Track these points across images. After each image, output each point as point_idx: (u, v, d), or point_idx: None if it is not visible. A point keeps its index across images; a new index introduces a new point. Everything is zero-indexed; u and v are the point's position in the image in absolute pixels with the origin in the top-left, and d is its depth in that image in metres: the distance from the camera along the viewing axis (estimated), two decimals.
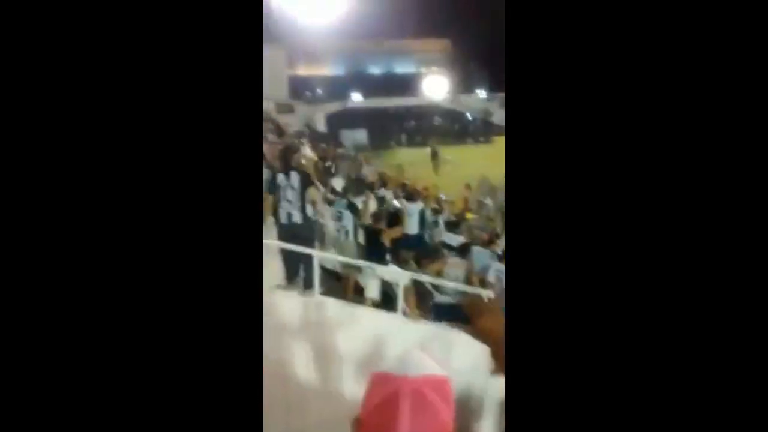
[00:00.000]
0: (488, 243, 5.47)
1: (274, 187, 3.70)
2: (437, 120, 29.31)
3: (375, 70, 35.93)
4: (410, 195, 6.13)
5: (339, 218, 4.70)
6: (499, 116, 29.68)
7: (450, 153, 18.14)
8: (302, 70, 32.43)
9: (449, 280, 4.02)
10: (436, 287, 4.16)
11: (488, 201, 9.62)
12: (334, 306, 3.45)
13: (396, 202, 5.59)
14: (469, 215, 7.35)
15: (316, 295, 3.41)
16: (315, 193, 3.95)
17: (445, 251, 4.64)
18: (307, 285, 3.46)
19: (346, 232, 4.69)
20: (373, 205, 5.14)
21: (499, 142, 24.98)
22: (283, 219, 3.69)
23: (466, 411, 2.62)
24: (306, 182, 3.77)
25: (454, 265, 4.12)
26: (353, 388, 3.29)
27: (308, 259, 3.44)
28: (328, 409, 3.27)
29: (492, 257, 4.77)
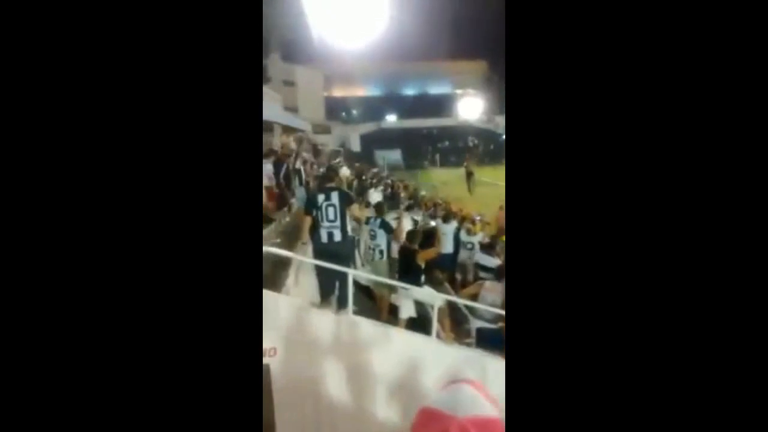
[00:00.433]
0: None
1: (313, 207, 3.76)
2: (472, 140, 29.17)
3: (410, 91, 36.39)
4: (445, 215, 6.09)
5: (373, 237, 4.71)
6: None
7: (485, 174, 17.98)
8: (338, 92, 33.23)
9: (485, 304, 3.93)
10: (472, 311, 4.07)
11: None
12: (367, 326, 3.43)
13: (432, 222, 5.56)
14: (503, 238, 7.22)
15: (350, 315, 3.40)
16: (357, 210, 3.96)
17: (482, 273, 4.55)
18: (341, 304, 3.46)
19: (381, 252, 4.69)
20: (407, 225, 5.13)
21: None
22: (324, 239, 3.71)
23: None
24: (347, 200, 3.80)
25: (491, 289, 4.02)
26: (385, 410, 3.24)
27: (343, 277, 3.45)
28: (358, 428, 3.23)
29: None
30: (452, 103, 32.93)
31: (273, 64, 22.82)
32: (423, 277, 4.17)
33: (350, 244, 4.04)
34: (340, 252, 3.68)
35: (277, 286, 3.82)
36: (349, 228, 3.79)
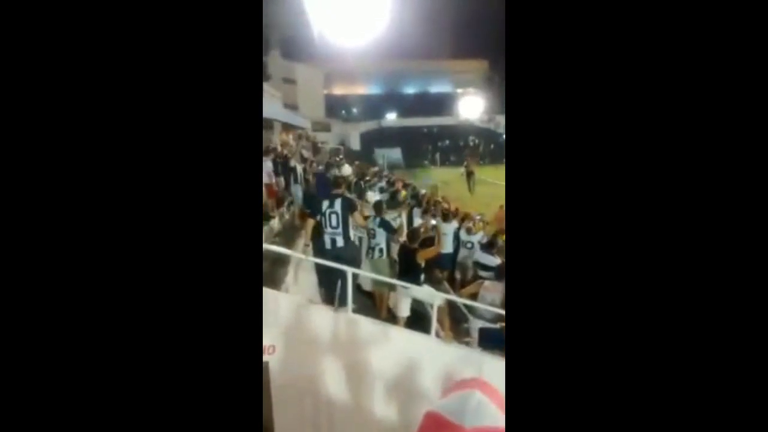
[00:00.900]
0: None
1: (317, 212, 3.84)
2: (472, 140, 29.15)
3: (410, 89, 36.35)
4: (445, 214, 6.08)
5: (372, 236, 4.70)
6: None
7: (485, 173, 17.97)
8: (338, 90, 33.19)
9: (484, 303, 3.92)
10: (471, 310, 4.06)
11: None
12: (366, 324, 3.42)
13: (432, 221, 5.55)
14: (503, 237, 7.21)
15: (349, 313, 3.40)
16: (359, 218, 4.08)
17: (482, 272, 4.54)
18: (341, 302, 3.46)
19: (380, 250, 4.68)
20: (407, 224, 5.12)
21: None
22: (328, 245, 3.83)
23: None
24: (350, 207, 3.90)
25: (491, 289, 4.02)
26: (383, 408, 3.24)
27: (343, 275, 3.45)
28: (356, 426, 3.23)
29: None
30: (453, 102, 32.89)
31: (273, 61, 22.77)
32: (423, 276, 4.16)
33: (353, 249, 4.09)
34: (343, 257, 3.76)
35: (276, 283, 3.82)
36: (351, 234, 3.90)
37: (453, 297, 4.22)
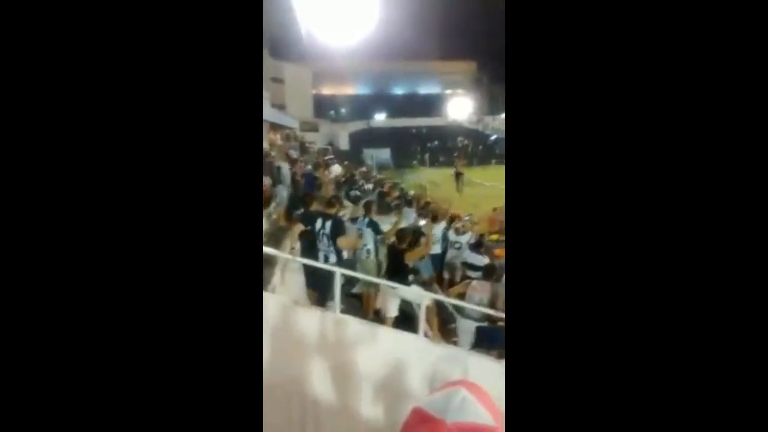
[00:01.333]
0: None
1: (309, 224, 4.04)
2: (461, 141, 29.27)
3: (399, 90, 36.41)
4: (434, 215, 6.09)
5: (360, 236, 4.69)
6: None
7: (473, 174, 18.07)
8: (327, 89, 33.10)
9: (472, 303, 3.94)
10: (459, 310, 4.08)
11: None
12: (354, 324, 3.41)
13: (421, 222, 5.55)
14: (494, 237, 7.25)
15: (337, 313, 3.38)
16: (345, 242, 4.30)
17: (470, 272, 4.56)
18: (328, 302, 3.45)
19: (368, 251, 4.67)
20: (396, 224, 5.11)
21: None
22: (321, 261, 4.00)
23: None
24: (338, 231, 4.10)
25: (478, 288, 4.03)
26: (370, 408, 3.23)
27: (330, 276, 3.43)
28: (344, 427, 3.21)
29: None
30: (441, 103, 33.04)
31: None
32: (411, 277, 4.16)
33: (345, 266, 4.19)
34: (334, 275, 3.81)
35: (263, 284, 3.79)
36: (345, 253, 4.17)
37: (441, 297, 4.22)
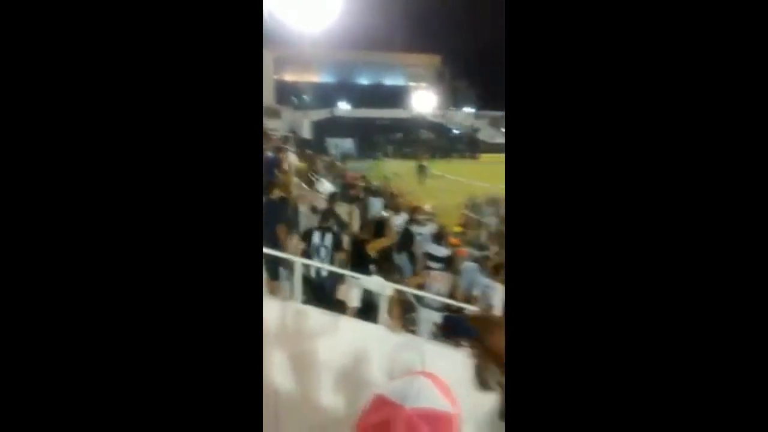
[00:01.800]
0: (477, 258, 5.48)
1: (307, 239, 4.02)
2: (424, 133, 29.50)
3: (364, 80, 36.11)
4: (396, 206, 6.13)
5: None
6: (486, 133, 30.09)
7: (435, 167, 18.27)
8: (289, 76, 32.36)
9: (431, 293, 4.01)
10: (418, 299, 4.14)
11: (474, 215, 9.78)
12: (315, 314, 3.39)
13: (383, 213, 5.57)
14: (457, 228, 7.39)
15: (297, 303, 3.35)
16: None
17: (431, 263, 4.62)
18: (289, 293, 3.42)
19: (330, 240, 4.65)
20: (358, 215, 5.11)
21: (485, 159, 25.29)
22: (313, 274, 4.00)
23: None
24: (338, 245, 4.10)
25: (438, 279, 4.11)
26: (331, 398, 3.24)
27: (290, 266, 3.40)
28: (304, 418, 3.20)
29: (481, 272, 4.77)
30: (405, 95, 33.05)
31: None
32: (372, 267, 4.18)
33: (334, 280, 4.19)
34: (325, 284, 3.94)
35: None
36: (336, 266, 4.07)
37: (400, 287, 4.27)
